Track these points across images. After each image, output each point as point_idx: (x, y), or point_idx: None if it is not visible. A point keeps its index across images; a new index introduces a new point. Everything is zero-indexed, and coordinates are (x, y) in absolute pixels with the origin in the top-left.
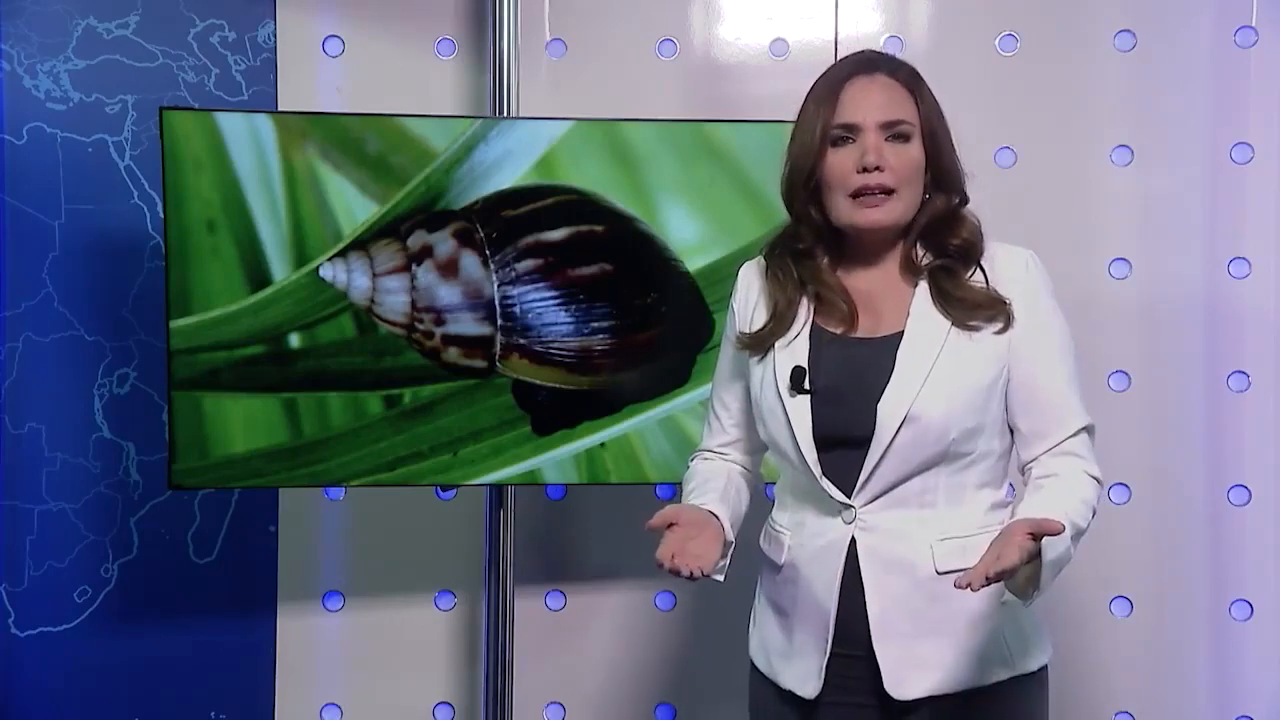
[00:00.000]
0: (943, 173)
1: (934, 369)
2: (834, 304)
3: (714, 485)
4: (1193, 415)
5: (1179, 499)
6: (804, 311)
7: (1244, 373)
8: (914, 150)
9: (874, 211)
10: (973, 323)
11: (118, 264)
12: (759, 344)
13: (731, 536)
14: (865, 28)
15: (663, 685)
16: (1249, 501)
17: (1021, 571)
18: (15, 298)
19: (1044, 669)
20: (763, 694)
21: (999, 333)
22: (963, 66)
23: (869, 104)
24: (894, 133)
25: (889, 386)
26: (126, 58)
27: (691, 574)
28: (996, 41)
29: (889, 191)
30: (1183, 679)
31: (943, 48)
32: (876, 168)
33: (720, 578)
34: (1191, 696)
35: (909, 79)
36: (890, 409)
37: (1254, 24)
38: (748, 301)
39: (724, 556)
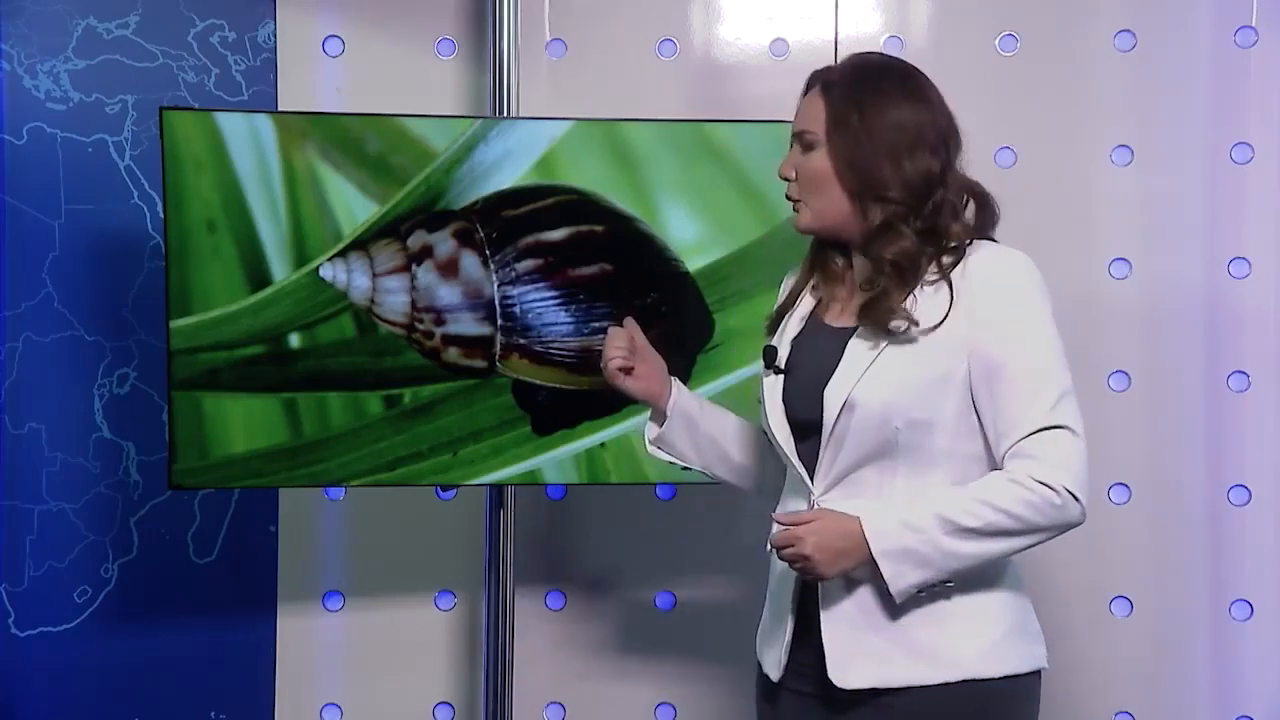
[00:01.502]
0: (855, 181)
1: (877, 360)
2: (822, 293)
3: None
4: (1193, 415)
5: (1179, 499)
6: (810, 299)
7: (1244, 373)
8: (815, 160)
9: (794, 218)
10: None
11: (118, 264)
12: (772, 327)
13: (669, 409)
14: (865, 28)
15: (663, 685)
16: (1249, 501)
17: (856, 562)
18: (15, 298)
19: (1011, 679)
20: (757, 678)
21: (943, 327)
22: (963, 66)
23: (795, 118)
24: (801, 143)
25: (835, 373)
26: (126, 58)
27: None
28: (996, 41)
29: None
30: (1183, 679)
31: (943, 48)
32: (784, 178)
33: (649, 438)
34: (1191, 696)
35: (831, 87)
36: (833, 394)
37: (1254, 24)
38: (780, 293)
39: (662, 413)
